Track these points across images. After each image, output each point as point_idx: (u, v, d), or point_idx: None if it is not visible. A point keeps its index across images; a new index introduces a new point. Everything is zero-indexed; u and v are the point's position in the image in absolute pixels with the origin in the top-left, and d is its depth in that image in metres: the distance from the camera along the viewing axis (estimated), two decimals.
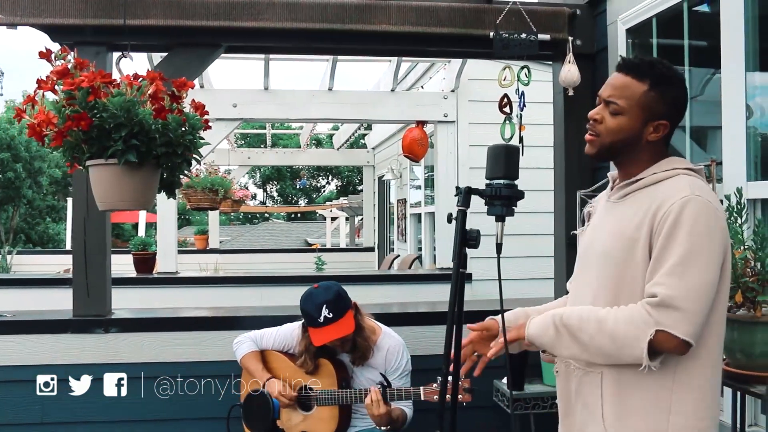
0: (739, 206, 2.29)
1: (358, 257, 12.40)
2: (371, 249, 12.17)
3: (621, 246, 1.80)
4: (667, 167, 1.84)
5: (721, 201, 2.41)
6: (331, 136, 19.33)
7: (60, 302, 4.84)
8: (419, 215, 8.76)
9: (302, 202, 42.98)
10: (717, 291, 1.72)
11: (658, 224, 1.72)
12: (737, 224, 2.29)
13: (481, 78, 6.68)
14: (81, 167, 2.70)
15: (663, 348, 1.68)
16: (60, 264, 10.63)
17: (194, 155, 2.78)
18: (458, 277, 1.81)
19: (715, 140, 2.95)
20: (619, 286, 1.79)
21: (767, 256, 2.21)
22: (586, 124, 1.92)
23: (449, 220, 1.84)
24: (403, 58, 6.88)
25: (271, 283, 6.60)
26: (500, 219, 1.88)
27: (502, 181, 1.86)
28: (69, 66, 2.62)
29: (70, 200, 17.30)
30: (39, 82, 2.62)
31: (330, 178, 43.46)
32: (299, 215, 37.88)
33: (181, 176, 2.87)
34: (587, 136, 1.90)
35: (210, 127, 2.90)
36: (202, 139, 2.79)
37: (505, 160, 1.87)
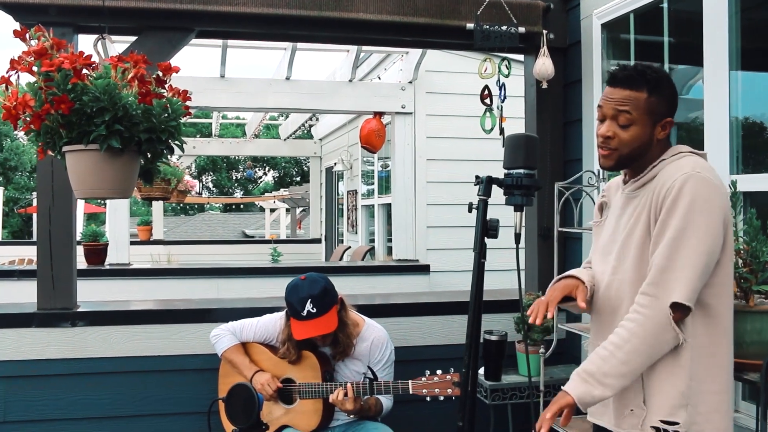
0: (733, 198, 2.33)
1: (304, 248, 12.21)
2: (318, 240, 12.04)
3: (639, 233, 1.95)
4: (673, 153, 2.00)
5: None
6: (273, 126, 19.06)
7: (5, 297, 4.63)
8: (372, 207, 8.68)
9: (239, 193, 42.38)
10: (720, 261, 1.88)
11: (661, 201, 1.87)
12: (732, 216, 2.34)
13: (439, 70, 6.69)
14: (54, 154, 2.57)
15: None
16: None
17: (176, 142, 2.68)
18: (480, 268, 1.78)
19: (698, 135, 3.01)
20: (641, 267, 1.93)
21: (760, 246, 2.27)
22: (597, 141, 2.03)
23: (470, 210, 1.83)
24: (363, 48, 6.83)
25: (227, 275, 6.47)
26: (519, 209, 1.88)
27: (522, 171, 1.85)
28: (47, 46, 2.50)
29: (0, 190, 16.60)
30: (13, 62, 2.48)
31: (267, 169, 42.97)
32: (237, 206, 37.34)
33: (159, 164, 2.78)
34: (601, 152, 2.02)
35: (191, 114, 2.81)
36: (185, 126, 2.70)
37: (524, 149, 1.86)
